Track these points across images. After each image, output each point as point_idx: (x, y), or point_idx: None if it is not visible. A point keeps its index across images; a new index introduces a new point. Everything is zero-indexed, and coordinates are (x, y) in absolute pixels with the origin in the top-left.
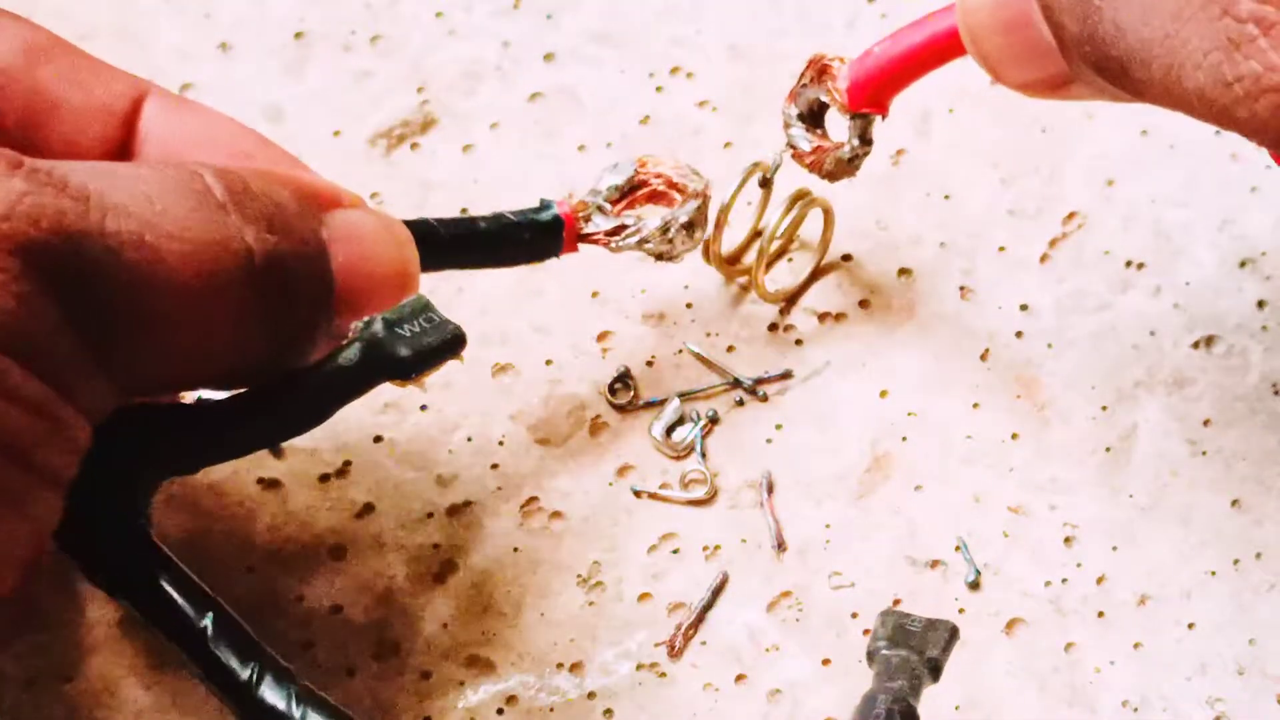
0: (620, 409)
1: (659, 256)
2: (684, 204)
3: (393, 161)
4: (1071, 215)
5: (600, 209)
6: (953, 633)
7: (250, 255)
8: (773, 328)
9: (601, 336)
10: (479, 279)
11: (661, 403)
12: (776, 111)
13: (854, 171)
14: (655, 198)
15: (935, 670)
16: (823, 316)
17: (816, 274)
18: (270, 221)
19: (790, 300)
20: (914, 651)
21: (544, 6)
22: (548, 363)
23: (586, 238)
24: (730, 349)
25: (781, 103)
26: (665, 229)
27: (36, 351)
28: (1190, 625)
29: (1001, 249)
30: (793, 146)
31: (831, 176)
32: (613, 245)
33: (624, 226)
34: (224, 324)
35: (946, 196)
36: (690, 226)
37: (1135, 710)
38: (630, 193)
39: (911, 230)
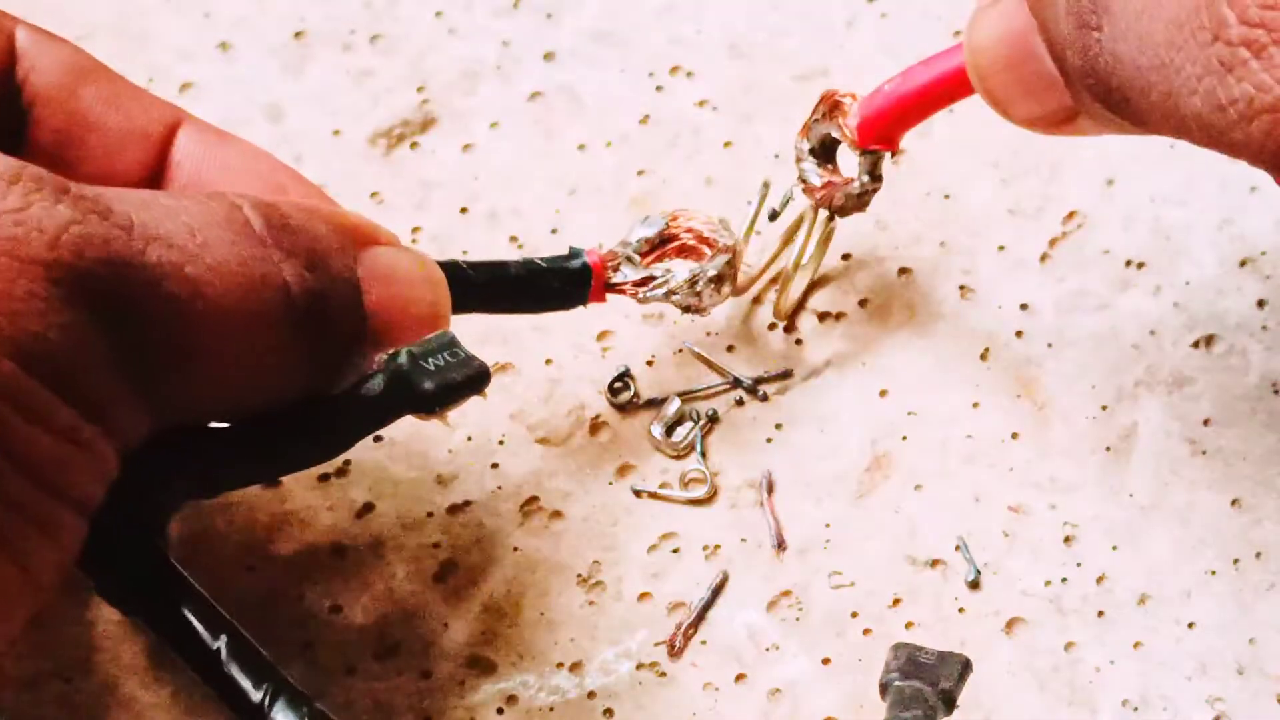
0: (620, 409)
1: (686, 309)
2: (713, 258)
3: (393, 161)
4: (1071, 215)
5: (629, 260)
6: (966, 665)
7: (288, 290)
8: (772, 327)
9: (601, 336)
10: None
11: (661, 402)
12: (776, 110)
13: (864, 207)
14: (685, 251)
15: (949, 702)
16: (823, 316)
17: (815, 285)
18: (308, 257)
19: (795, 312)
20: (927, 683)
21: (544, 6)
22: (548, 362)
23: (614, 287)
24: (730, 349)
25: (794, 137)
26: (693, 282)
27: (74, 380)
28: (1190, 625)
29: (1001, 249)
30: (804, 180)
31: (841, 211)
32: (640, 296)
33: (652, 278)
34: (260, 356)
35: (946, 196)
36: (718, 280)
37: (1135, 710)
38: (660, 245)
39: (911, 230)
